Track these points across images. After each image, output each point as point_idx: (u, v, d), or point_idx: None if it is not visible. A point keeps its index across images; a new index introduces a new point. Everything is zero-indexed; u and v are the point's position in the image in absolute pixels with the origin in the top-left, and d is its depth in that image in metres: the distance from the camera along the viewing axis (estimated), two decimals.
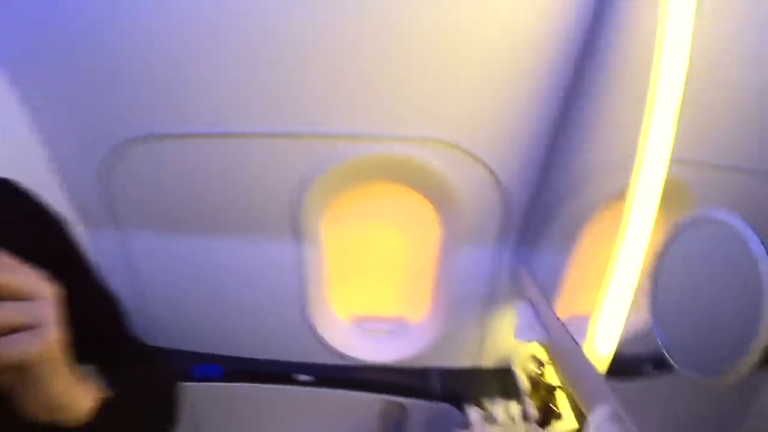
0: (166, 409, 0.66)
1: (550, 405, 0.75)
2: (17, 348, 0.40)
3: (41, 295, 0.42)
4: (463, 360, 1.01)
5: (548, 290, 0.76)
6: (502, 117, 0.79)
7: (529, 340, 0.78)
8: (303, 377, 1.06)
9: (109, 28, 0.82)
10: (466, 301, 0.96)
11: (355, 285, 1.05)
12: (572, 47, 0.72)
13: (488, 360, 1.00)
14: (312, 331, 1.02)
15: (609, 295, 0.56)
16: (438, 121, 0.80)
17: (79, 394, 0.46)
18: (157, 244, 1.05)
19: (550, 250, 0.82)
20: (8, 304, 0.40)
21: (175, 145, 0.91)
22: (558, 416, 0.73)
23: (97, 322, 0.57)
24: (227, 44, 0.79)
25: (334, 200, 0.94)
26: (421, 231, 0.94)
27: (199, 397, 1.08)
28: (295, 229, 0.95)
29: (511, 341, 0.87)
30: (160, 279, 1.09)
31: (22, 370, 0.41)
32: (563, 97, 0.77)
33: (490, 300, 0.94)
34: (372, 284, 1.05)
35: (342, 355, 1.03)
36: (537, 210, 0.85)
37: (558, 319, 0.70)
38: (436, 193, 0.86)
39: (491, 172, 0.80)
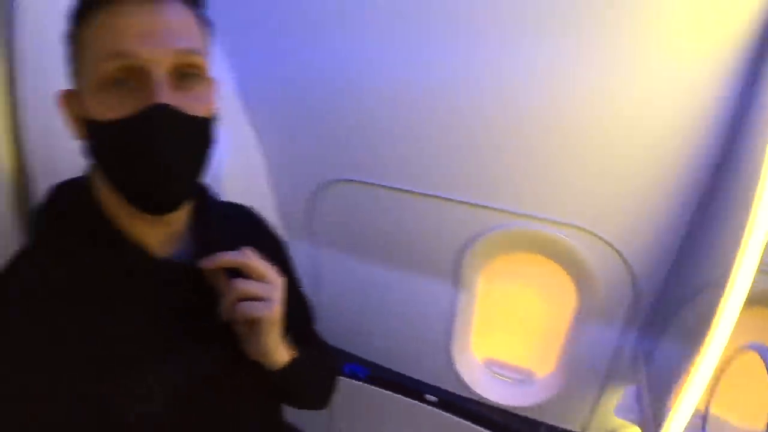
0: (329, 385, 0.82)
1: None
2: (255, 310, 0.57)
3: (273, 281, 0.60)
4: (571, 423, 1.08)
5: (660, 380, 0.81)
6: (640, 210, 0.86)
7: (630, 421, 0.84)
8: (430, 397, 1.21)
9: (338, 85, 1.06)
10: (587, 370, 1.03)
11: (495, 331, 1.18)
12: (714, 145, 0.77)
13: (595, 429, 1.06)
14: (450, 361, 1.16)
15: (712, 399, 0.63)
16: (580, 209, 0.90)
17: (282, 350, 0.63)
18: (340, 262, 1.30)
19: (672, 342, 0.86)
20: (254, 282, 0.58)
21: (367, 190, 1.14)
22: None
23: (295, 309, 0.70)
24: (424, 117, 0.97)
25: (492, 259, 1.07)
26: (558, 298, 1.05)
27: (341, 389, 1.31)
28: (456, 277, 1.10)
29: (618, 419, 0.92)
30: (337, 288, 1.33)
31: (253, 324, 0.59)
32: (701, 195, 0.81)
33: (607, 375, 1.01)
34: (509, 334, 1.17)
35: (468, 389, 1.17)
36: (665, 301, 0.90)
37: (660, 408, 0.74)
38: (574, 269, 0.97)
39: (624, 260, 0.89)
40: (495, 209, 0.96)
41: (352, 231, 1.25)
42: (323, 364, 0.80)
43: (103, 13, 0.50)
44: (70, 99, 0.56)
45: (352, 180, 1.15)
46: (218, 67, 1.19)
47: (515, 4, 0.79)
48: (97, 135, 0.53)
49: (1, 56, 0.79)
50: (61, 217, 0.60)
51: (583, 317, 1.01)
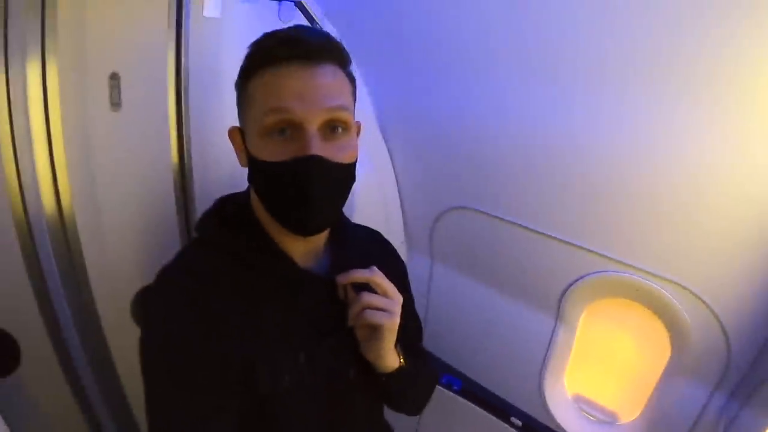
0: (427, 394, 0.89)
1: None
2: (378, 318, 0.65)
3: (394, 296, 0.68)
4: None
5: None
6: (743, 275, 0.86)
7: None
8: (516, 420, 1.27)
9: (466, 123, 1.16)
10: (669, 424, 1.04)
11: (588, 368, 1.21)
12: None
13: None
14: (540, 390, 1.22)
15: None
16: (683, 266, 0.93)
17: (393, 356, 0.71)
18: (453, 279, 1.43)
19: (757, 413, 0.88)
20: (378, 296, 0.66)
21: (484, 219, 1.24)
22: None
23: (408, 325, 0.76)
24: (543, 160, 1.04)
25: (594, 300, 1.11)
26: (653, 347, 1.06)
27: (434, 396, 1.41)
28: (558, 311, 1.16)
29: None
30: (447, 302, 1.45)
31: (374, 330, 0.67)
32: None
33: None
34: (601, 373, 1.20)
35: (553, 419, 1.22)
36: (758, 371, 0.90)
37: None
38: (670, 323, 1.00)
39: (721, 325, 0.92)
40: (601, 254, 1.04)
41: (467, 253, 1.38)
42: (425, 375, 0.86)
43: (268, 74, 0.60)
44: (237, 134, 0.67)
45: (472, 208, 1.28)
46: (359, 93, 1.38)
47: (639, 66, 0.83)
48: (259, 171, 0.63)
49: (172, 76, 1.06)
50: (225, 225, 0.69)
51: (674, 371, 1.04)
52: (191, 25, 1.09)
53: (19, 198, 0.96)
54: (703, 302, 0.93)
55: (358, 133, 0.68)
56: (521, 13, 0.94)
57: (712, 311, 0.93)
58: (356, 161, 0.66)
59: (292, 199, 0.61)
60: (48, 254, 1.02)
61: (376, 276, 0.66)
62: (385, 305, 0.66)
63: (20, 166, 0.93)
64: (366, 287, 0.67)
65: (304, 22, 1.33)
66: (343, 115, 0.61)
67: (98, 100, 1.02)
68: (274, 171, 0.60)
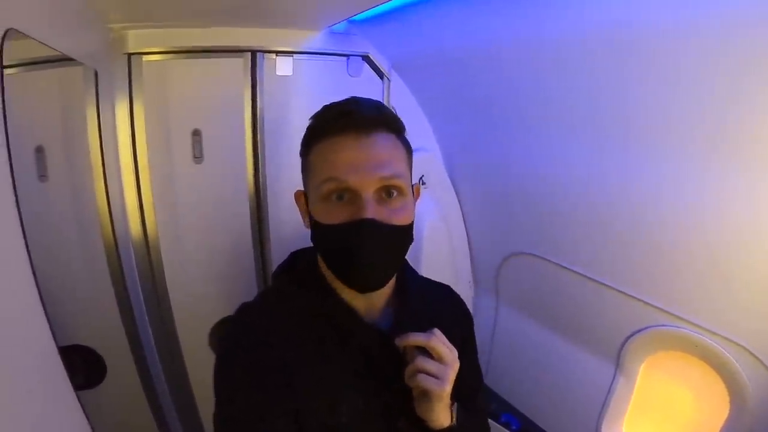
0: None
1: None
2: (428, 383, 0.65)
3: (450, 363, 0.67)
4: None
5: None
6: None
7: None
8: None
9: (531, 174, 1.24)
10: None
11: (646, 419, 1.21)
12: None
13: None
14: None
15: None
16: (745, 327, 0.92)
17: (444, 416, 0.69)
18: (516, 319, 1.50)
19: None
20: (432, 361, 0.66)
21: (547, 266, 1.31)
22: None
23: (468, 377, 0.78)
24: (606, 213, 1.09)
25: (655, 352, 1.12)
26: (712, 404, 1.05)
27: None
28: (617, 361, 1.19)
29: None
30: (509, 341, 1.52)
31: (424, 393, 0.67)
32: None
33: None
34: (659, 427, 1.20)
35: None
36: None
37: None
38: (728, 380, 1.00)
39: None
40: (662, 309, 1.06)
41: (530, 297, 1.45)
42: (480, 423, 0.88)
43: (325, 145, 0.65)
44: (302, 198, 0.73)
45: (537, 255, 1.35)
46: (429, 141, 1.49)
47: (707, 132, 0.86)
48: (319, 232, 0.68)
49: (249, 131, 1.19)
50: (295, 281, 0.76)
51: (732, 430, 1.03)
52: (265, 84, 1.24)
53: (111, 237, 1.13)
54: (762, 363, 0.93)
55: (417, 195, 0.73)
56: (590, 76, 1.01)
57: None
58: (412, 222, 0.69)
59: (349, 259, 0.65)
60: (135, 283, 1.19)
61: (432, 340, 0.66)
62: (437, 371, 0.65)
63: (111, 203, 1.11)
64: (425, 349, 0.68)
65: (373, 76, 1.45)
66: (398, 182, 0.65)
67: (182, 154, 1.19)
68: (332, 233, 0.65)
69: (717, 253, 0.93)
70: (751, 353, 0.94)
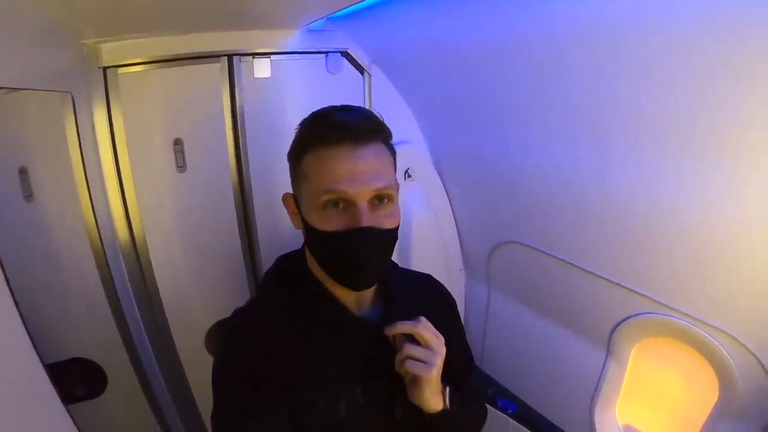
0: (478, 425, 0.93)
1: None
2: (417, 368, 0.69)
3: (436, 349, 0.71)
4: None
5: None
6: None
7: None
8: None
9: (518, 166, 1.24)
10: None
11: (638, 401, 1.24)
12: None
13: None
14: (590, 418, 1.28)
15: None
16: (732, 316, 0.93)
17: (436, 399, 0.73)
18: (508, 305, 1.52)
19: None
20: (420, 348, 0.70)
21: (537, 255, 1.32)
22: None
23: (458, 360, 0.82)
24: (595, 204, 1.08)
25: (645, 338, 1.14)
26: (702, 389, 1.07)
27: (490, 419, 1.32)
28: (608, 346, 1.20)
29: None
30: (502, 327, 1.54)
31: (414, 378, 0.72)
32: None
33: None
34: (651, 409, 1.22)
35: None
36: None
37: None
38: (717, 366, 1.01)
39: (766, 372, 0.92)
40: (650, 298, 1.07)
41: (521, 284, 1.47)
42: (471, 416, 0.89)
43: (321, 154, 0.68)
44: (291, 200, 0.77)
45: (526, 244, 1.36)
46: (414, 133, 1.47)
47: (699, 132, 0.85)
48: (316, 238, 0.71)
49: (230, 132, 1.20)
50: (285, 283, 0.79)
51: (720, 415, 1.05)
52: (244, 87, 1.23)
53: (100, 249, 1.15)
54: (749, 351, 0.94)
55: (397, 190, 0.75)
56: (570, 72, 1.00)
57: (759, 360, 0.94)
58: (399, 225, 0.74)
59: (346, 263, 0.70)
60: (128, 293, 1.22)
61: (418, 327, 0.70)
62: (424, 357, 0.70)
63: (98, 217, 1.13)
64: (412, 335, 0.72)
65: (353, 71, 1.41)
66: (389, 191, 0.70)
67: (165, 164, 1.19)
68: (330, 239, 0.69)
69: (699, 244, 0.94)
70: (737, 340, 0.96)
